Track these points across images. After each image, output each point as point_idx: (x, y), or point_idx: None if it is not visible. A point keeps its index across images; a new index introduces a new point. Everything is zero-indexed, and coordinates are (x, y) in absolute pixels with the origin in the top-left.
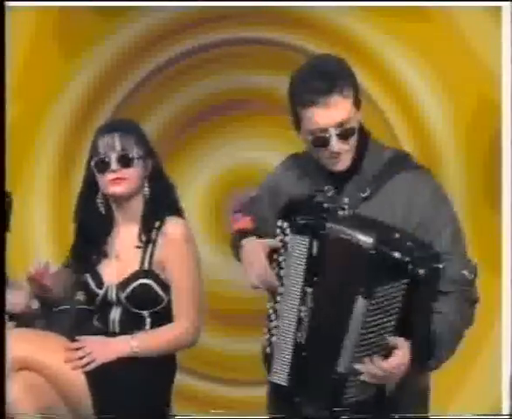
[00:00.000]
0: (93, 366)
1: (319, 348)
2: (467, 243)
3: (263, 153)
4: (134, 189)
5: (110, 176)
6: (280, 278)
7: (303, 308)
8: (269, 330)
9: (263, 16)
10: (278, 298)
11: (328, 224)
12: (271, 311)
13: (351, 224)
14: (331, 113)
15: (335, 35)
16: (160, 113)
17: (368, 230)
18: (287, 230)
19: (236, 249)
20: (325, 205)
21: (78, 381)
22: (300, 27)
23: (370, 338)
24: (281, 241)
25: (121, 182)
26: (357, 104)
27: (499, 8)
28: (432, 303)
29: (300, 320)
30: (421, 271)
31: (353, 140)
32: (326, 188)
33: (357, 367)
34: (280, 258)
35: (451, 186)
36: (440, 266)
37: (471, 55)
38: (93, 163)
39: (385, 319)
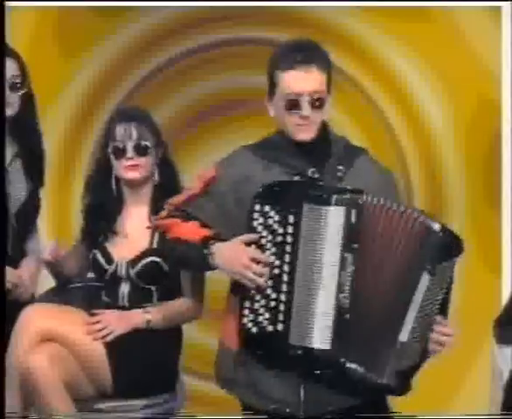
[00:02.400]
0: (111, 337)
1: (365, 312)
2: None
3: None
4: (147, 175)
5: (126, 163)
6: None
7: (343, 273)
8: (253, 311)
9: (263, 16)
10: (276, 281)
11: (363, 196)
12: (253, 292)
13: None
14: (308, 79)
15: (335, 35)
16: (160, 112)
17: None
18: (271, 213)
19: (197, 259)
20: (320, 183)
21: (98, 353)
22: (300, 27)
23: (428, 310)
24: (263, 224)
25: (136, 168)
26: (328, 88)
27: (499, 8)
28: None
29: (341, 285)
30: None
31: (321, 114)
32: (309, 170)
33: (423, 344)
34: (264, 241)
35: (451, 186)
36: None
37: (471, 55)
38: (109, 149)
39: (440, 294)
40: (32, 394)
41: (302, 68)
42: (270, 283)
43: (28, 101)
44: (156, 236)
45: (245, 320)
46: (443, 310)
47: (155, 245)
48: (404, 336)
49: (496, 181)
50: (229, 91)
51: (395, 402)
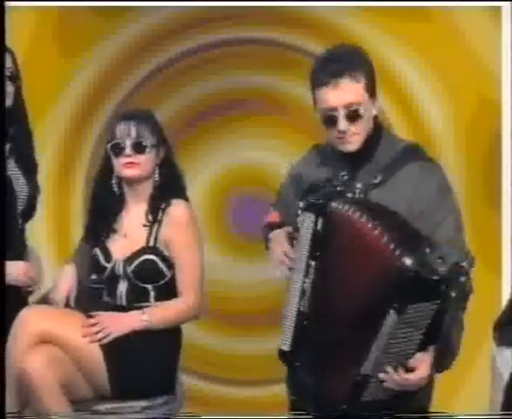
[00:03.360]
0: (108, 339)
1: (319, 318)
2: (465, 235)
3: (263, 153)
4: (146, 174)
5: (124, 160)
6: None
7: (307, 280)
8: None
9: (263, 16)
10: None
11: (334, 204)
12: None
13: (359, 208)
14: (340, 93)
15: (335, 35)
16: (160, 113)
17: (375, 216)
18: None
19: (266, 242)
20: (338, 188)
21: (94, 354)
22: (301, 27)
23: (397, 347)
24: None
25: (134, 166)
26: (371, 91)
27: (499, 8)
28: (456, 315)
29: (303, 291)
30: (453, 294)
31: (362, 124)
32: (341, 173)
33: (381, 376)
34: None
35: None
36: (463, 279)
37: (471, 55)
38: (108, 146)
39: (413, 333)
40: (29, 396)
41: (334, 82)
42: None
43: (19, 97)
44: (153, 234)
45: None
46: (426, 343)
47: (151, 244)
48: (365, 369)
49: (496, 181)
50: (229, 91)
51: None
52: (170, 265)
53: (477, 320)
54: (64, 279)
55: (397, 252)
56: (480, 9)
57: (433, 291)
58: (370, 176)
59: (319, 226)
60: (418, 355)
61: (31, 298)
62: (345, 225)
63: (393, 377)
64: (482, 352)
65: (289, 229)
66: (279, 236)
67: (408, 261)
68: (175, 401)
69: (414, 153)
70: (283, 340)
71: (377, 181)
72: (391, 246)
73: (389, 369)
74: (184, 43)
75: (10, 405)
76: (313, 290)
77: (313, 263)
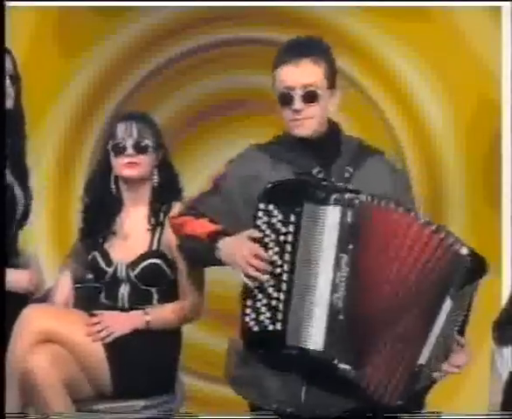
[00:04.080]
0: (111, 338)
1: (359, 312)
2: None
3: None
4: (145, 175)
5: (125, 160)
6: (271, 259)
7: (338, 274)
8: (255, 309)
9: (263, 16)
10: (277, 280)
11: (362, 196)
12: (256, 290)
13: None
14: (299, 73)
15: (335, 35)
16: (160, 112)
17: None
18: (275, 212)
19: (205, 254)
20: (324, 183)
21: (97, 353)
22: (300, 27)
23: (450, 331)
24: (267, 223)
25: (135, 166)
26: (330, 81)
27: (499, 8)
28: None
29: (335, 286)
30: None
31: (317, 108)
32: (314, 170)
33: (439, 367)
34: (267, 240)
35: (451, 186)
36: None
37: (471, 55)
38: (109, 146)
39: (461, 315)
40: (32, 395)
41: (294, 61)
42: (272, 282)
43: (18, 100)
44: (156, 237)
45: (247, 319)
46: (462, 329)
47: (155, 247)
48: (423, 359)
49: (496, 181)
50: (229, 91)
51: None
52: (173, 268)
53: (477, 320)
54: (61, 287)
55: (449, 241)
56: (480, 9)
57: (476, 271)
58: (341, 171)
59: (348, 219)
60: (459, 352)
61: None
62: (380, 218)
63: (446, 368)
64: (482, 352)
65: (251, 232)
66: (239, 243)
67: (464, 250)
68: (174, 400)
69: (367, 147)
70: (309, 339)
71: (347, 175)
72: (441, 235)
73: (441, 359)
74: (184, 43)
75: (13, 405)
76: (348, 284)
77: (344, 256)
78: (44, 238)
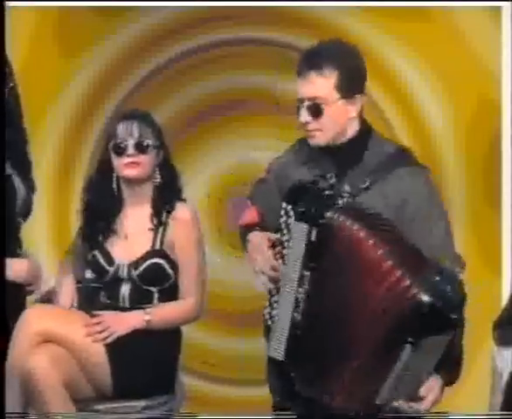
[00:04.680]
0: (111, 338)
1: (316, 329)
2: (454, 239)
3: (263, 153)
4: (146, 175)
5: (126, 160)
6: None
7: (300, 290)
8: (270, 304)
9: (263, 16)
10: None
11: (329, 214)
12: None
13: (356, 219)
14: (306, 87)
15: (335, 35)
16: (160, 112)
17: (373, 227)
18: (291, 213)
19: (244, 242)
20: (326, 192)
21: (97, 354)
22: (300, 27)
23: (410, 377)
24: (285, 223)
25: (136, 166)
26: (344, 90)
27: (499, 8)
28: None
29: (297, 301)
30: (462, 321)
31: (325, 120)
32: (328, 175)
33: (397, 405)
34: (284, 239)
35: (451, 186)
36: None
37: (471, 55)
38: (110, 146)
39: (428, 362)
40: (32, 395)
41: (304, 74)
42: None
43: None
44: (159, 237)
45: (264, 311)
46: (438, 369)
47: (157, 247)
48: (380, 399)
49: (496, 181)
50: (229, 91)
51: None
52: (175, 268)
53: (477, 320)
54: (65, 290)
55: (408, 283)
56: (480, 9)
57: (448, 321)
58: (358, 180)
59: (313, 237)
60: (428, 384)
61: (32, 298)
62: (343, 238)
63: (404, 408)
64: (482, 352)
65: (270, 235)
66: (259, 243)
67: (425, 297)
68: (175, 400)
69: (403, 157)
70: (274, 348)
71: (365, 185)
72: (398, 273)
73: (401, 402)
74: (184, 43)
75: (14, 405)
76: (308, 300)
77: (307, 273)
78: (45, 238)
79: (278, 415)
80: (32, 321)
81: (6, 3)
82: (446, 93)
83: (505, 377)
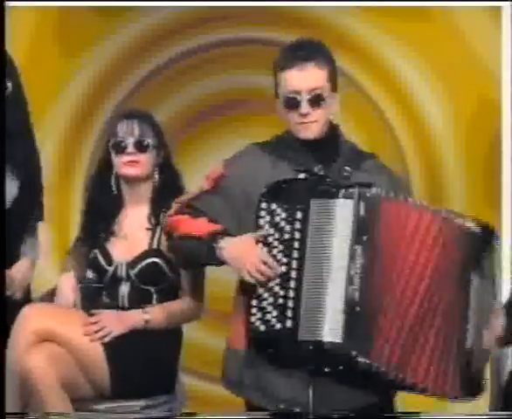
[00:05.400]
0: (109, 338)
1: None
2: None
3: None
4: (146, 174)
5: (126, 158)
6: (274, 257)
7: (353, 265)
8: (261, 309)
9: (263, 16)
10: (283, 279)
11: (374, 189)
12: (261, 290)
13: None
14: (305, 77)
15: (335, 35)
16: (160, 113)
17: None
18: (278, 211)
19: (205, 254)
20: (328, 180)
21: (95, 353)
22: (300, 27)
23: (483, 307)
24: (270, 222)
25: (135, 165)
26: (332, 84)
27: (499, 8)
28: None
29: (351, 278)
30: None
31: (323, 111)
32: (316, 168)
33: (485, 339)
34: (271, 239)
35: (451, 186)
36: None
37: (471, 55)
38: (110, 144)
39: (490, 285)
40: (30, 394)
41: (299, 66)
42: (278, 280)
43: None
44: (156, 236)
45: (253, 319)
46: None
47: (155, 246)
48: (469, 342)
49: (496, 181)
50: (229, 91)
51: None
52: (173, 267)
53: None
54: (65, 289)
55: (460, 221)
56: (480, 9)
57: (486, 237)
58: (340, 170)
59: (361, 211)
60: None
61: (34, 296)
62: (390, 210)
63: (491, 338)
64: None
65: (256, 234)
66: (244, 245)
67: (469, 223)
68: (175, 400)
69: (361, 151)
70: (325, 333)
71: (347, 174)
72: (452, 217)
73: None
74: (184, 43)
75: (12, 404)
76: (362, 275)
77: (358, 248)
78: (44, 238)
79: (274, 414)
80: (31, 320)
81: (6, 3)
82: (446, 93)
83: (505, 377)
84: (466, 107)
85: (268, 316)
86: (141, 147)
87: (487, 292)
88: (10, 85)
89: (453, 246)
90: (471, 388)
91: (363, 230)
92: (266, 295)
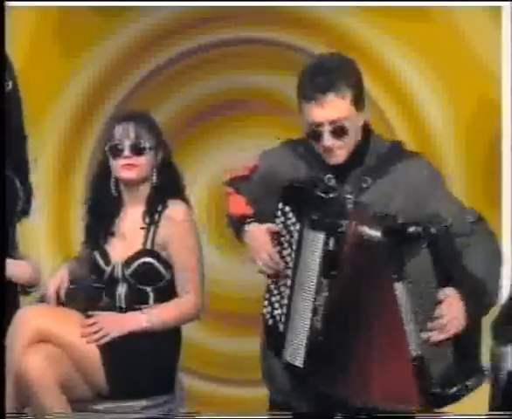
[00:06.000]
0: (106, 339)
1: (337, 333)
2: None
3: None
4: (144, 176)
5: (122, 162)
6: (283, 257)
7: (319, 297)
8: (270, 303)
9: (263, 16)
10: (285, 281)
11: (344, 222)
12: (272, 286)
13: (360, 218)
14: (326, 110)
15: (335, 35)
16: (159, 113)
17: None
18: (290, 215)
19: (236, 230)
20: (330, 195)
21: (92, 354)
22: (301, 27)
23: (424, 311)
24: (283, 223)
25: (132, 168)
26: (358, 104)
27: (499, 8)
28: (458, 254)
29: (315, 308)
30: (433, 229)
31: (348, 138)
32: (326, 177)
33: (428, 335)
34: (282, 239)
35: (451, 186)
36: (448, 224)
37: (471, 55)
38: (107, 148)
39: (427, 289)
40: (27, 395)
41: (320, 99)
42: (284, 281)
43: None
44: (150, 236)
45: (264, 311)
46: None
47: (148, 246)
48: (414, 349)
49: (496, 181)
50: (229, 91)
51: None
52: (168, 267)
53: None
54: (54, 276)
55: (360, 230)
56: (480, 9)
57: (414, 241)
58: (359, 181)
59: (330, 246)
60: (443, 291)
61: (30, 299)
62: (360, 243)
63: (433, 332)
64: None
65: (271, 227)
66: (260, 235)
67: (375, 233)
68: (174, 400)
69: (398, 151)
70: (291, 355)
71: (366, 184)
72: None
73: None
74: (184, 43)
75: (9, 404)
76: (328, 306)
77: (325, 281)
78: (44, 238)
79: (274, 414)
80: (28, 321)
81: (6, 3)
82: (446, 93)
83: (505, 377)
84: (466, 107)
85: (275, 312)
86: (137, 150)
87: (416, 295)
88: (10, 83)
89: (369, 259)
90: (433, 395)
91: (331, 264)
92: (275, 291)
